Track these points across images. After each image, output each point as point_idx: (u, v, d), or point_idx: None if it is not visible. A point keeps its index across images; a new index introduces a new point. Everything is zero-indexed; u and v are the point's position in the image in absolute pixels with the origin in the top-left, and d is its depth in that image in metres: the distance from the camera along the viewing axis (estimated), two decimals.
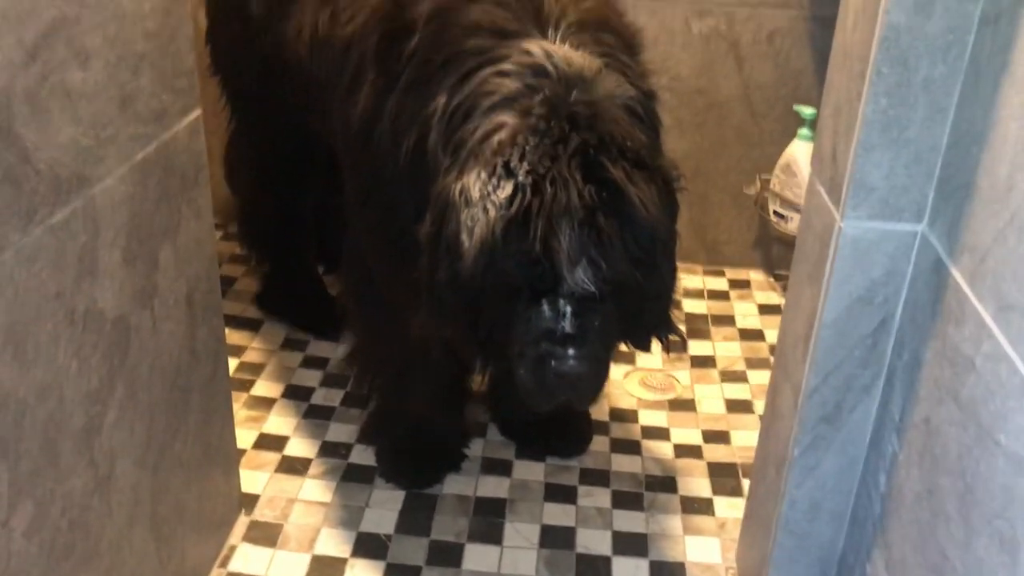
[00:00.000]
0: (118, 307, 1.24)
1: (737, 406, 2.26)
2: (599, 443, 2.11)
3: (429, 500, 1.93)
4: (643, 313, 1.42)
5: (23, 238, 1.02)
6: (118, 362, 1.26)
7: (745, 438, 2.12)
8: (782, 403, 1.48)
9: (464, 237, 1.30)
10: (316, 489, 1.94)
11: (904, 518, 1.20)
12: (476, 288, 1.31)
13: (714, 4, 2.55)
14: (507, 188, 1.27)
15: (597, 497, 1.96)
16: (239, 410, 2.10)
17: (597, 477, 2.01)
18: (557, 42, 1.44)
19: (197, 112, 1.45)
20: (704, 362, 2.42)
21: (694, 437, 2.15)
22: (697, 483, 2.01)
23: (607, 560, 1.81)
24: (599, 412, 2.19)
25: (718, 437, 2.15)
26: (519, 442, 2.08)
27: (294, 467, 2.00)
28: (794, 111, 2.52)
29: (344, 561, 1.78)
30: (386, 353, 1.89)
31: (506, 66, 1.39)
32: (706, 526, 1.90)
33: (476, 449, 2.07)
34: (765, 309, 2.65)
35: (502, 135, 1.32)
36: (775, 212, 2.58)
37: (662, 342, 1.51)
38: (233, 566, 1.75)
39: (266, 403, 2.19)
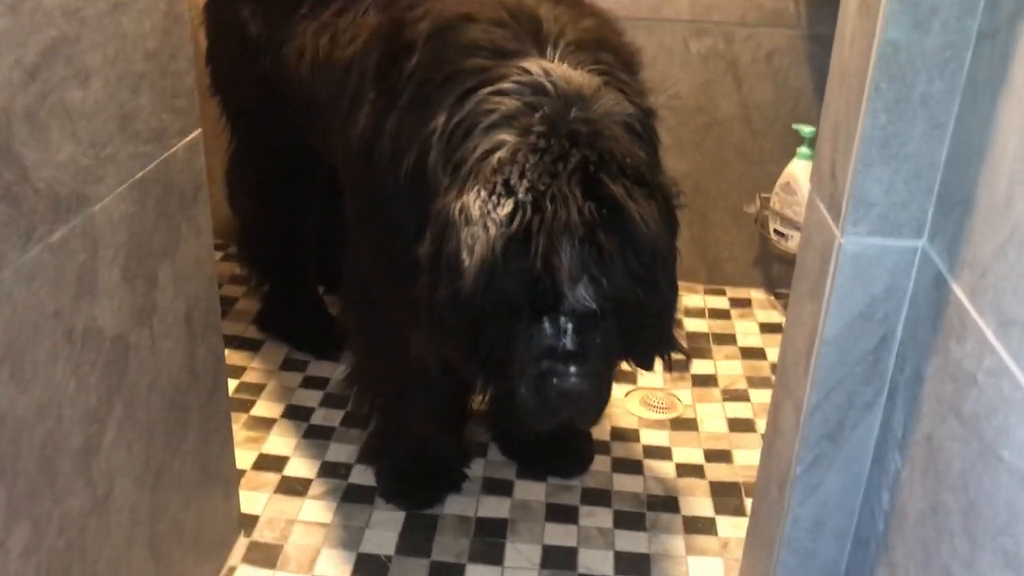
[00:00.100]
0: (117, 326, 1.24)
1: (739, 425, 2.25)
2: (600, 463, 2.10)
3: (430, 520, 1.91)
4: (644, 330, 1.41)
5: (22, 256, 1.02)
6: (117, 381, 1.25)
7: (747, 457, 2.11)
8: (784, 421, 1.48)
9: (464, 255, 1.30)
10: (316, 510, 1.93)
11: (908, 536, 1.19)
12: (477, 306, 1.31)
13: (712, 24, 2.56)
14: (507, 206, 1.27)
15: (599, 517, 1.95)
16: (239, 430, 2.09)
17: (599, 497, 2.00)
18: (556, 61, 1.45)
19: (197, 132, 1.45)
20: (705, 381, 2.41)
21: (696, 456, 2.14)
22: (699, 503, 2.00)
23: None
24: (600, 432, 2.18)
25: (720, 456, 2.14)
26: (520, 462, 2.07)
27: (294, 488, 1.99)
28: (793, 130, 2.53)
29: None
30: (386, 373, 1.88)
31: (505, 85, 1.40)
32: (709, 546, 1.89)
33: (477, 469, 2.06)
34: (766, 328, 2.65)
35: (502, 153, 1.32)
36: (775, 230, 2.58)
37: (664, 359, 1.50)
38: None
39: (266, 423, 2.18)
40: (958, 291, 1.09)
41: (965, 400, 1.04)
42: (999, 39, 1.06)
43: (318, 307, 2.50)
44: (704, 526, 1.94)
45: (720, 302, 2.77)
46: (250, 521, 1.88)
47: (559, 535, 1.89)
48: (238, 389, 2.29)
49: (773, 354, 2.48)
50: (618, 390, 2.31)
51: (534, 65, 1.41)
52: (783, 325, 1.62)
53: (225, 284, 2.67)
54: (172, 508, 1.47)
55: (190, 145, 1.43)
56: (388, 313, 1.72)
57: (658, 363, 1.53)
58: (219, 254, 2.73)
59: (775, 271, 2.78)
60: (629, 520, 1.94)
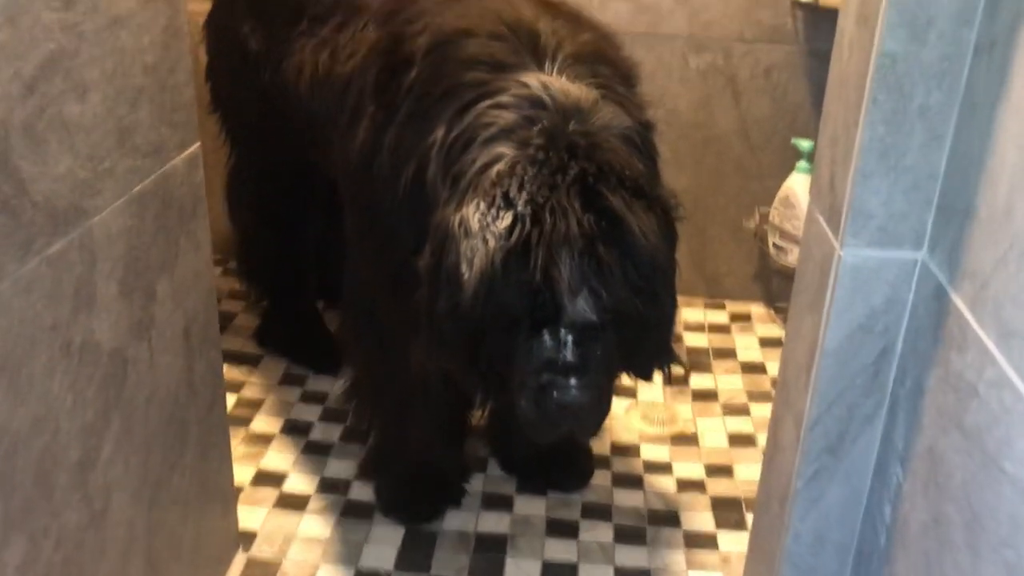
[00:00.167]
0: (115, 339, 1.24)
1: (740, 440, 2.24)
2: (601, 477, 2.09)
3: (429, 536, 1.90)
4: (644, 342, 1.41)
5: (20, 269, 1.02)
6: (114, 395, 1.25)
7: (748, 472, 2.10)
8: (784, 434, 1.47)
9: (464, 268, 1.30)
10: (315, 525, 1.92)
11: (910, 549, 1.19)
12: (476, 319, 1.31)
13: (711, 40, 2.57)
14: (506, 218, 1.27)
15: (599, 532, 1.93)
16: (237, 446, 2.08)
17: (599, 512, 1.99)
18: (554, 74, 1.45)
19: (196, 146, 1.45)
20: (706, 396, 2.40)
21: (697, 471, 2.13)
22: (700, 517, 1.99)
23: None
24: (600, 446, 2.17)
25: (721, 471, 2.13)
26: (520, 477, 2.06)
27: (292, 503, 1.98)
28: (792, 144, 2.53)
29: None
30: (386, 387, 1.87)
31: (504, 98, 1.40)
32: (710, 561, 1.88)
33: (476, 484, 2.05)
34: (766, 342, 2.64)
35: (501, 166, 1.32)
36: (774, 245, 2.58)
37: (664, 372, 1.50)
38: None
39: (264, 439, 2.17)
40: (959, 302, 1.09)
41: (966, 412, 1.04)
42: (996, 50, 1.06)
43: (317, 322, 2.50)
44: (705, 541, 1.92)
45: (720, 316, 2.76)
46: (248, 537, 1.87)
47: (559, 550, 1.88)
48: (237, 404, 2.28)
49: (773, 368, 2.47)
50: (618, 405, 2.30)
51: (532, 78, 1.41)
52: (783, 339, 1.61)
53: (224, 300, 2.67)
54: (170, 523, 1.46)
55: (189, 159, 1.43)
56: (387, 327, 1.72)
57: (658, 377, 1.53)
58: (218, 269, 2.73)
59: (775, 285, 2.78)
60: (630, 535, 1.93)
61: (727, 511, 2.00)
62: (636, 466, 2.14)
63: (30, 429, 1.06)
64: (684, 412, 2.33)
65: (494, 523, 1.95)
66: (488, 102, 1.40)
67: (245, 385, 2.36)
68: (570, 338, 1.29)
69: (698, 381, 2.45)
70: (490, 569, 1.83)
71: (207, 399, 1.57)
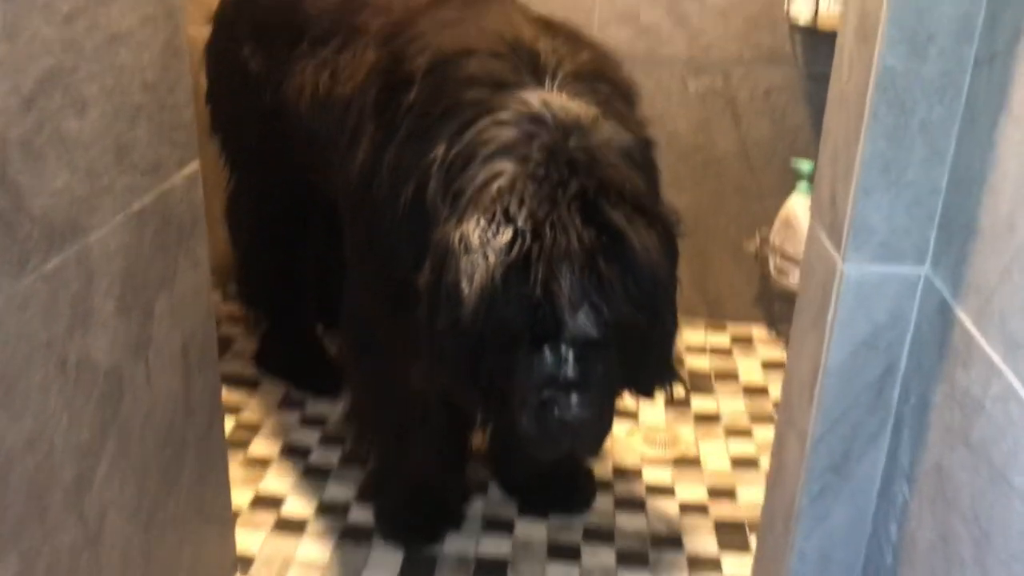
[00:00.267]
0: (111, 358, 1.22)
1: (743, 463, 2.22)
2: (603, 501, 2.06)
3: (429, 560, 1.88)
4: (646, 359, 1.40)
5: (15, 284, 1.01)
6: (110, 414, 1.23)
7: (752, 494, 2.08)
8: (788, 454, 1.45)
9: (464, 284, 1.29)
10: (313, 549, 1.90)
11: (917, 568, 1.17)
12: (476, 335, 1.30)
13: (710, 62, 2.58)
14: (507, 234, 1.26)
15: (601, 556, 1.91)
16: (235, 469, 2.06)
17: (601, 535, 1.97)
18: (554, 92, 1.45)
19: (195, 164, 1.45)
20: (708, 419, 2.38)
21: (700, 494, 2.11)
22: (704, 540, 1.97)
23: None
24: (602, 469, 2.15)
25: (724, 494, 2.11)
26: (521, 499, 2.04)
27: (291, 527, 1.95)
28: (792, 167, 2.53)
29: None
30: (386, 409, 1.86)
31: (504, 115, 1.40)
32: None
33: (477, 507, 2.03)
34: (768, 365, 2.63)
35: (501, 182, 1.32)
36: (775, 267, 2.58)
37: (665, 389, 1.48)
38: None
39: (263, 462, 2.15)
40: (963, 317, 1.08)
41: (973, 426, 1.03)
42: (996, 64, 1.06)
43: (317, 345, 2.49)
44: (709, 564, 1.90)
45: (721, 339, 2.75)
46: (246, 561, 1.85)
47: (561, 574, 1.86)
48: (236, 427, 2.26)
49: (775, 391, 2.46)
50: (620, 428, 2.29)
51: (532, 96, 1.41)
52: (785, 361, 1.60)
53: (223, 323, 2.66)
54: (166, 546, 1.44)
55: (188, 178, 1.43)
56: (387, 347, 1.71)
57: (659, 399, 1.52)
58: (217, 294, 2.72)
59: (776, 308, 2.77)
60: (632, 558, 1.90)
61: (730, 534, 1.98)
62: (638, 489, 2.12)
63: (24, 447, 1.04)
64: (686, 435, 2.31)
65: (495, 546, 1.92)
66: (488, 119, 1.40)
67: (244, 408, 2.35)
68: (571, 354, 1.28)
69: (700, 404, 2.44)
70: None
71: (205, 420, 1.56)
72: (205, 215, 1.50)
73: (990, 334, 1.00)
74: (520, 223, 1.26)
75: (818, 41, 2.48)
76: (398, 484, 1.95)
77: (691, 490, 2.12)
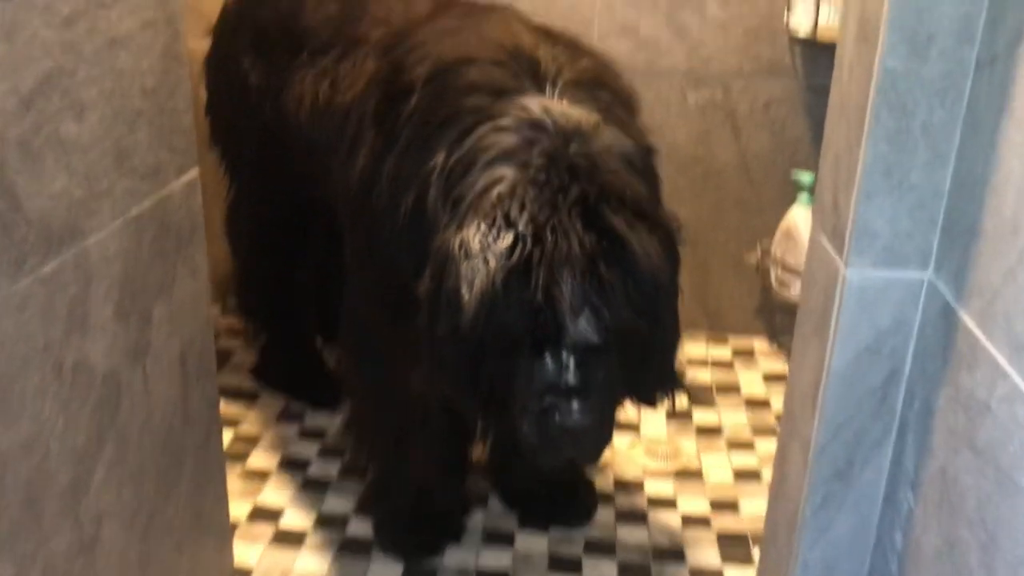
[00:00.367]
0: (109, 363, 1.21)
1: (745, 475, 2.20)
2: (604, 513, 2.05)
3: (428, 573, 1.86)
4: (647, 365, 1.39)
5: (12, 287, 1.00)
6: (107, 420, 1.22)
7: (754, 506, 2.06)
8: (791, 463, 1.44)
9: (464, 289, 1.28)
10: (312, 562, 1.88)
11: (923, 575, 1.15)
12: (477, 340, 1.29)
13: (710, 75, 2.58)
14: (507, 238, 1.26)
15: (603, 568, 1.89)
16: (234, 481, 2.05)
17: (603, 548, 1.95)
18: (555, 99, 1.45)
19: (194, 171, 1.45)
20: (710, 431, 2.37)
21: (702, 507, 2.09)
22: (706, 553, 1.95)
23: None
24: (604, 481, 2.14)
25: (726, 506, 2.09)
26: (522, 511, 2.02)
27: (290, 539, 1.94)
28: (792, 179, 2.53)
29: None
30: (385, 418, 1.85)
31: (504, 122, 1.40)
32: None
33: (477, 519, 2.01)
34: (770, 377, 2.62)
35: (502, 187, 1.32)
36: (776, 279, 2.57)
37: (667, 397, 1.47)
38: None
39: (262, 474, 2.14)
40: (967, 320, 1.07)
41: (978, 430, 1.02)
42: (998, 65, 1.05)
43: (316, 357, 2.47)
44: None
45: (723, 351, 2.74)
46: (244, 573, 1.83)
47: None
48: (234, 440, 2.25)
49: (777, 404, 2.44)
50: (622, 440, 2.27)
51: (533, 103, 1.41)
52: (787, 373, 1.59)
53: (222, 336, 2.65)
54: (163, 556, 1.43)
55: (187, 184, 1.42)
56: (387, 356, 1.70)
57: (661, 412, 1.50)
58: (216, 307, 2.71)
59: (777, 320, 2.76)
60: (634, 571, 1.89)
61: (733, 546, 1.96)
62: (640, 501, 2.10)
63: (19, 450, 1.03)
64: (688, 447, 2.30)
65: (495, 559, 1.91)
66: (488, 125, 1.40)
67: (243, 421, 2.33)
68: (572, 360, 1.27)
69: (702, 416, 2.42)
70: None
71: (203, 429, 1.55)
72: (204, 229, 1.50)
73: (995, 336, 0.99)
74: (521, 228, 1.26)
75: (818, 53, 2.48)
76: (397, 495, 1.93)
77: (693, 502, 2.10)
